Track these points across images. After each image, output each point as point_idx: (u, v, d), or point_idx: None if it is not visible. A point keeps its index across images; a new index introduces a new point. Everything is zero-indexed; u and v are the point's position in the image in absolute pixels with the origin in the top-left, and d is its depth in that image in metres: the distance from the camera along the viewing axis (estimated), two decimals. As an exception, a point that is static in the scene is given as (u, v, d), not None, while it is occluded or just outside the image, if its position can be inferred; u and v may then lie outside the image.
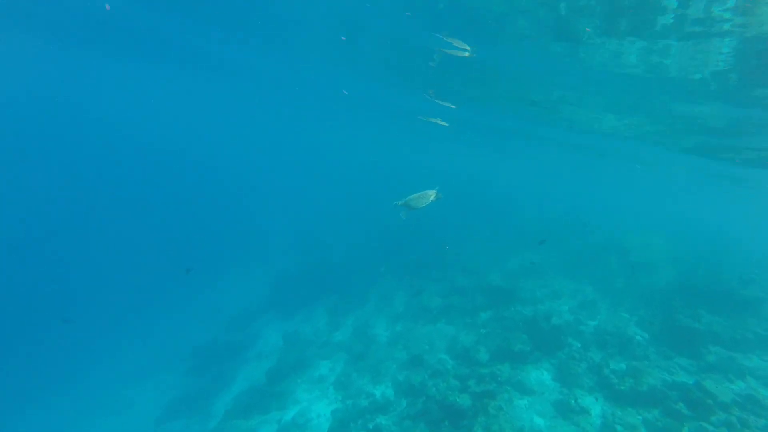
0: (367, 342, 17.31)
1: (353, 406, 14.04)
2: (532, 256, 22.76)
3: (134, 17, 18.48)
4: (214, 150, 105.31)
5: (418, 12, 11.10)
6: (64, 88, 41.71)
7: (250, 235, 39.45)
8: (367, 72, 21.26)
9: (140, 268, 35.74)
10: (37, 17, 19.79)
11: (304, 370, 16.82)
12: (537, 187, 78.00)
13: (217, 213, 51.46)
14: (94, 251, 39.80)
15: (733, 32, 8.48)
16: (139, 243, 41.40)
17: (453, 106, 22.31)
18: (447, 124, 29.13)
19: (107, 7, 19.36)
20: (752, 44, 8.85)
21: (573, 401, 11.53)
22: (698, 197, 48.75)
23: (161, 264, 36.36)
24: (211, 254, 35.77)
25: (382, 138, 57.11)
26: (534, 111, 21.06)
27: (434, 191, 7.86)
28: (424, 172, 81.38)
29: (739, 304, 15.23)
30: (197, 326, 26.91)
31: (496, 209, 37.79)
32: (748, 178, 25.98)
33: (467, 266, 21.86)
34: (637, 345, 13.57)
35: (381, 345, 17.16)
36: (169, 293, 31.10)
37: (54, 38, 23.27)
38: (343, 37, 16.90)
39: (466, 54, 12.90)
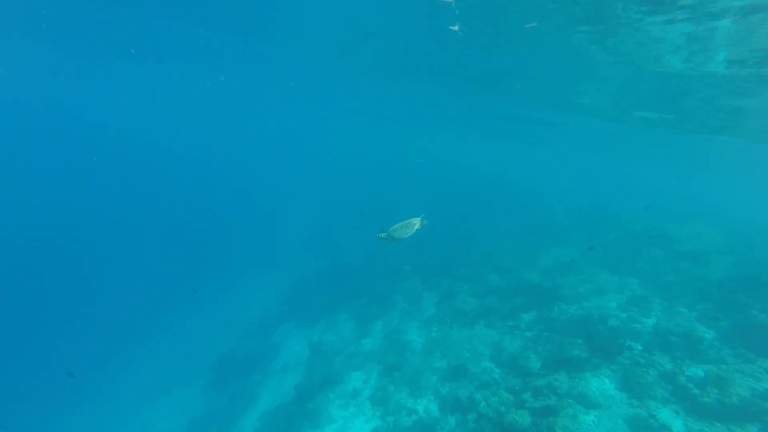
0: (400, 350, 16.07)
1: (396, 425, 12.83)
2: (568, 251, 21.40)
3: (138, 16, 17.37)
4: (227, 153, 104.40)
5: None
6: (71, 91, 40.64)
7: (264, 238, 38.34)
8: (380, 70, 20.17)
9: (152, 277, 34.78)
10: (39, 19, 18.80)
11: (336, 383, 15.63)
12: (561, 178, 75.63)
13: (230, 216, 50.34)
14: (106, 260, 38.92)
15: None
16: (151, 251, 40.48)
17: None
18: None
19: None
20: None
21: (648, 416, 10.22)
22: (739, 182, 46.82)
23: (173, 272, 35.43)
24: (224, 259, 34.70)
25: (397, 133, 55.86)
26: (557, 98, 19.81)
27: (419, 219, 7.55)
28: (440, 166, 79.56)
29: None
30: (214, 336, 25.90)
31: (521, 202, 36.30)
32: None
33: (499, 264, 20.52)
34: (709, 346, 12.21)
35: (416, 353, 15.91)
36: (182, 302, 30.10)
37: (57, 40, 22.25)
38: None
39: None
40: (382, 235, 7.55)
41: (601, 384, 11.95)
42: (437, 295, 19.87)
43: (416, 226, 7.50)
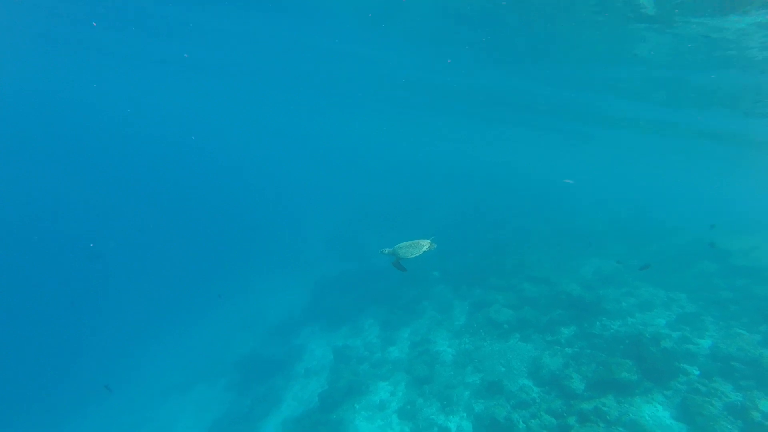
0: (430, 361, 15.28)
1: (426, 443, 12.06)
2: (607, 262, 20.16)
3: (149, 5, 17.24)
4: (249, 152, 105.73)
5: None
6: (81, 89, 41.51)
7: (286, 238, 38.09)
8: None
9: (174, 275, 34.97)
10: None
11: (362, 393, 14.97)
12: (598, 184, 72.28)
13: (252, 216, 50.46)
14: (127, 258, 39.43)
15: None
16: (173, 249, 40.81)
17: None
18: None
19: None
20: None
21: (714, 452, 9.15)
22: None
23: (195, 271, 35.55)
24: (245, 259, 34.57)
25: (421, 132, 54.87)
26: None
27: (428, 241, 7.21)
28: (471, 169, 77.85)
29: None
30: (234, 336, 25.63)
31: (556, 208, 34.89)
32: None
33: (533, 273, 19.45)
34: (781, 376, 10.96)
35: (447, 365, 15.10)
36: (204, 301, 30.05)
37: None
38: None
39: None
40: (386, 251, 7.23)
41: (655, 411, 10.90)
42: (468, 303, 19.01)
43: (424, 248, 7.12)
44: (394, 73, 23.41)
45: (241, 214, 51.86)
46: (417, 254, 7.11)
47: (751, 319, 14.04)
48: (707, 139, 26.49)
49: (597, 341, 14.07)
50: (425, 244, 7.16)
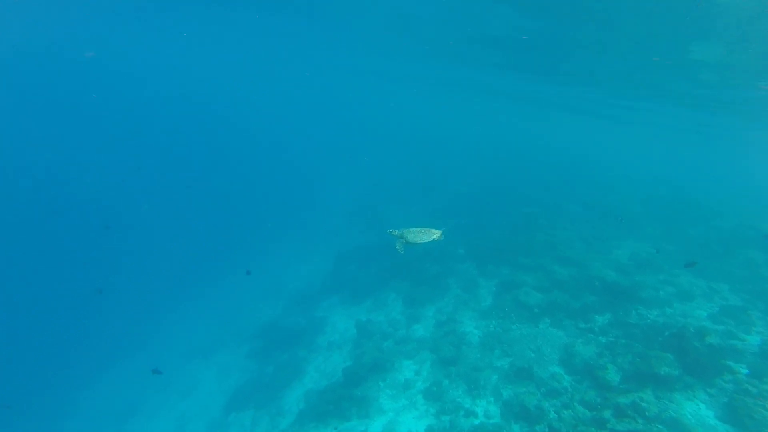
0: (456, 342, 14.98)
1: (452, 426, 11.88)
2: (642, 245, 19.25)
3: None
4: (272, 120, 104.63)
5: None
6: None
7: (307, 208, 37.79)
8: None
9: (196, 242, 35.27)
10: None
11: (386, 371, 14.83)
12: (632, 161, 68.94)
13: (273, 185, 50.17)
14: (151, 225, 39.85)
15: None
16: (195, 215, 41.04)
17: None
18: None
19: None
20: None
21: (765, 459, 8.66)
22: None
23: (217, 238, 35.75)
24: (267, 229, 34.48)
25: (447, 107, 52.92)
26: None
27: (440, 231, 7.22)
28: (496, 142, 75.38)
29: None
30: (255, 304, 25.81)
31: (587, 186, 33.47)
32: None
33: (564, 254, 18.73)
34: (841, 381, 10.27)
35: (473, 347, 14.79)
36: (226, 268, 30.29)
37: None
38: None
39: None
40: (395, 232, 7.19)
41: (697, 409, 10.41)
42: (495, 283, 18.50)
43: (434, 236, 7.14)
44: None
45: (263, 184, 51.59)
46: (426, 241, 7.09)
47: (804, 316, 13.23)
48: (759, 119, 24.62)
49: (633, 331, 13.50)
50: (435, 233, 7.13)
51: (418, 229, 7.15)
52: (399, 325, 17.66)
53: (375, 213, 30.94)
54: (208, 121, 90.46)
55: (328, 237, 30.88)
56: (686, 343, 11.49)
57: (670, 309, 14.85)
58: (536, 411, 11.33)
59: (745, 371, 11.10)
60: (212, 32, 28.25)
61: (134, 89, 73.18)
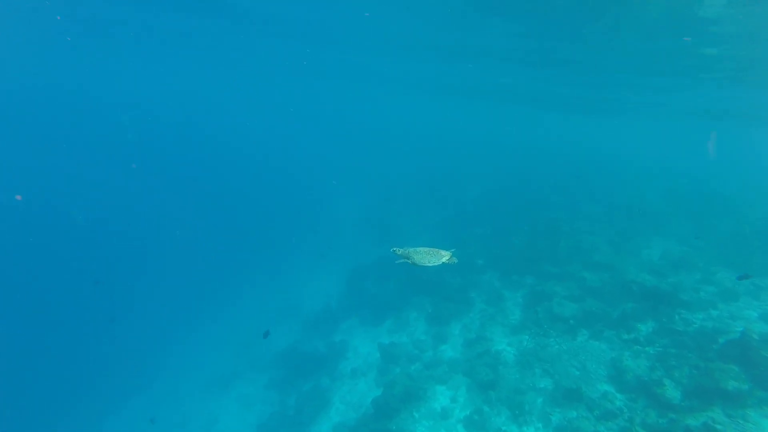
0: (491, 363, 14.04)
1: (502, 461, 10.93)
2: (669, 243, 18.39)
3: None
4: (281, 132, 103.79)
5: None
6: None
7: (317, 224, 36.80)
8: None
9: (205, 265, 34.28)
10: None
11: (419, 399, 13.86)
12: (648, 154, 67.46)
13: (279, 201, 49.06)
14: (159, 245, 38.94)
15: None
16: (204, 234, 40.08)
17: None
18: None
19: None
20: None
21: None
22: None
23: (226, 259, 34.84)
24: (277, 247, 33.56)
25: (457, 112, 52.07)
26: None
27: (449, 253, 6.39)
28: (508, 143, 74.15)
29: None
30: (272, 327, 24.82)
31: (604, 183, 32.59)
32: None
33: (592, 258, 17.89)
34: None
35: (510, 367, 13.84)
36: (237, 291, 29.35)
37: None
38: None
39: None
40: (399, 251, 6.47)
41: (773, 428, 9.45)
42: (521, 295, 17.60)
43: (443, 259, 6.35)
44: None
45: (271, 200, 50.43)
46: (434, 264, 6.37)
47: None
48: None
49: (682, 339, 12.58)
50: (445, 256, 6.34)
51: (426, 249, 6.45)
52: (425, 346, 16.72)
53: (386, 224, 30.03)
54: (215, 137, 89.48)
55: (340, 251, 29.94)
56: (753, 353, 10.58)
57: (715, 311, 13.95)
58: (594, 439, 10.39)
59: (818, 380, 10.17)
60: (218, 46, 27.65)
61: (140, 111, 72.58)
